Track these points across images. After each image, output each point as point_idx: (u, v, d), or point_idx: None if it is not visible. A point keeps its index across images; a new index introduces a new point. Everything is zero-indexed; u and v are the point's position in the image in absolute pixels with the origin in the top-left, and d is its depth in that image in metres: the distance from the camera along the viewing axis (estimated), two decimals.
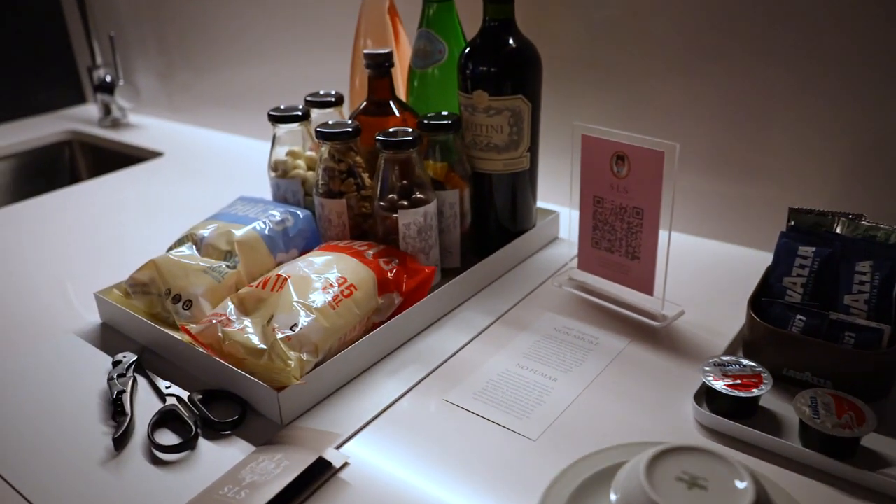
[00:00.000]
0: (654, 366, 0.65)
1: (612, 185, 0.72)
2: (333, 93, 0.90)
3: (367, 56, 0.79)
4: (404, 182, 0.74)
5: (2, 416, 0.63)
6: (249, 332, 0.63)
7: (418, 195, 0.73)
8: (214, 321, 0.65)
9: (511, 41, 0.77)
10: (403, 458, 0.56)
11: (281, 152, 0.85)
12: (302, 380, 0.59)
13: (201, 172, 1.22)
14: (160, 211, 1.07)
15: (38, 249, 0.95)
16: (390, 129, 0.74)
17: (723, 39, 0.79)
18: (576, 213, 0.77)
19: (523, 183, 0.82)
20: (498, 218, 0.83)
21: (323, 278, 0.66)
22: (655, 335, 0.70)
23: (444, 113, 0.78)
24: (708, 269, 0.81)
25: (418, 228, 0.74)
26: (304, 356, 0.60)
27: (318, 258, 0.70)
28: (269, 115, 0.83)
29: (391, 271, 0.71)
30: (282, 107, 0.84)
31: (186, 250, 0.75)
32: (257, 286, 0.67)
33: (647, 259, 0.72)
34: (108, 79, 1.46)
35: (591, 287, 0.78)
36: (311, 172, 0.85)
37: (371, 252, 0.72)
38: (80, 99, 1.67)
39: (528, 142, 0.80)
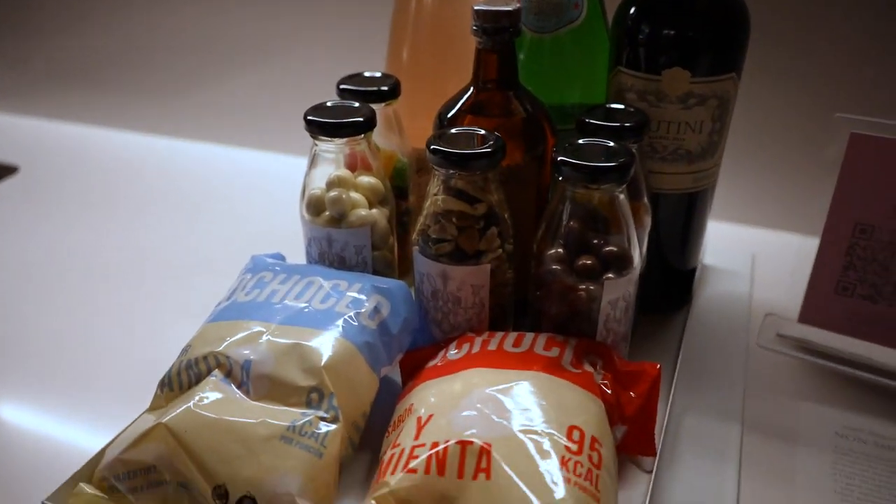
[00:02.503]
0: None
1: None
2: (379, 74, 0.56)
3: (483, 16, 0.47)
4: (581, 226, 0.44)
5: None
6: None
7: (612, 249, 0.44)
8: None
9: None
10: None
11: (319, 178, 0.51)
12: None
13: (102, 197, 0.81)
14: (56, 271, 0.66)
15: None
16: (578, 143, 0.43)
17: None
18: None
19: (705, 202, 0.55)
20: (663, 254, 0.56)
21: (546, 438, 0.36)
22: None
23: (618, 106, 0.49)
24: None
25: (626, 305, 0.45)
26: None
27: (496, 387, 0.39)
28: (311, 122, 0.48)
29: (604, 385, 0.42)
30: (328, 104, 0.50)
31: (220, 391, 0.41)
32: (426, 470, 0.35)
33: None
34: None
35: (822, 348, 0.54)
36: (376, 211, 0.52)
37: (567, 357, 0.43)
38: None
39: (725, 142, 0.53)
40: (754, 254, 0.67)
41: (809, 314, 0.54)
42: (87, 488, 0.39)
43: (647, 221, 0.50)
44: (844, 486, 0.44)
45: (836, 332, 0.53)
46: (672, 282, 0.58)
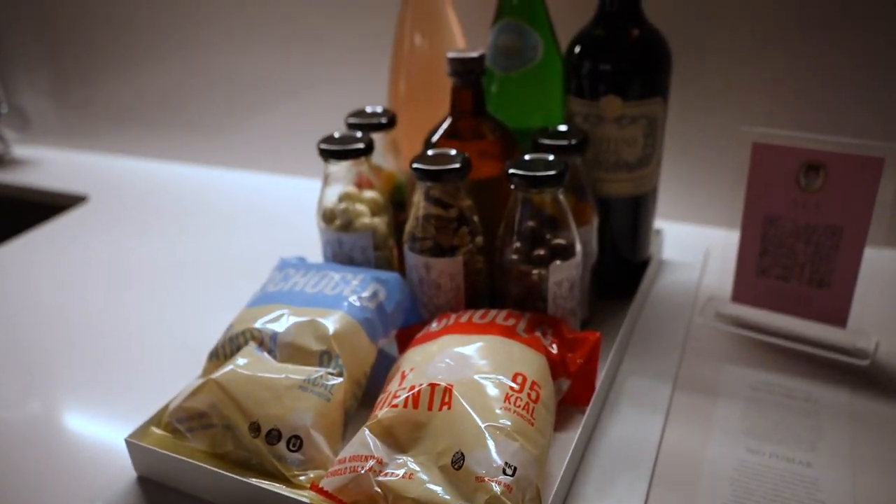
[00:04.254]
0: None
1: (797, 201, 0.58)
2: (380, 109, 0.69)
3: (455, 62, 0.59)
4: (536, 225, 0.56)
5: None
6: (424, 480, 0.44)
7: (559, 241, 0.56)
8: (360, 469, 0.45)
9: (638, 29, 0.61)
10: None
11: (332, 195, 0.64)
12: None
13: (159, 220, 0.96)
14: (123, 281, 0.81)
15: None
16: (525, 160, 0.55)
17: None
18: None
19: (648, 204, 0.67)
20: (617, 249, 0.68)
21: (496, 381, 0.48)
22: (873, 378, 0.58)
23: (561, 128, 0.61)
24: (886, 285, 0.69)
25: (570, 284, 0.57)
26: None
27: (462, 347, 0.51)
28: (322, 150, 0.61)
29: (551, 347, 0.54)
30: (336, 135, 0.63)
31: (255, 357, 0.53)
32: (405, 404, 0.47)
33: (840, 285, 0.59)
34: None
35: (751, 322, 0.64)
36: (377, 219, 0.64)
37: (521, 325, 0.54)
38: None
39: (660, 154, 0.64)
40: (708, 249, 0.77)
41: (739, 294, 0.64)
42: (157, 430, 0.52)
43: (594, 219, 0.62)
44: (750, 426, 0.54)
45: (760, 307, 0.64)
46: (626, 272, 0.69)
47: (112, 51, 1.08)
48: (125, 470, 0.53)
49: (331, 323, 0.54)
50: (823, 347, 0.60)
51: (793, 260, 0.60)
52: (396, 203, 0.70)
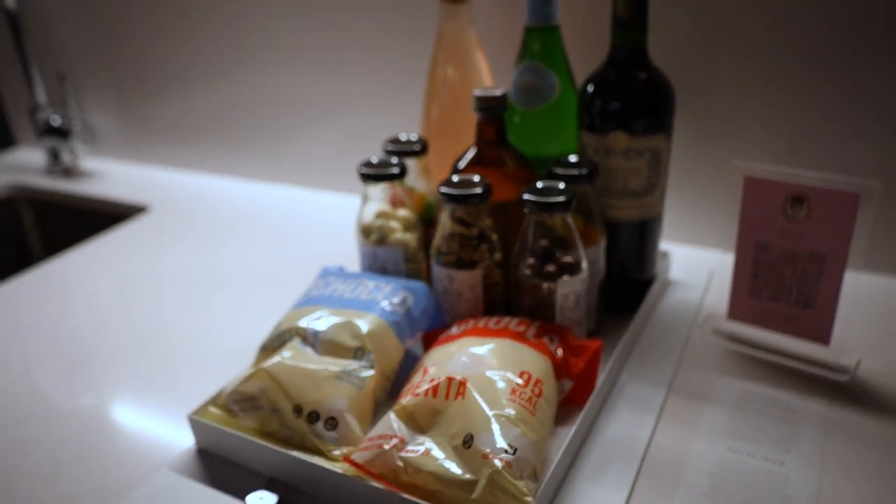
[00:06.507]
0: (875, 432, 0.59)
1: (783, 229, 0.65)
2: (415, 137, 0.78)
3: (480, 99, 0.68)
4: (548, 244, 0.64)
5: None
6: (439, 457, 0.51)
7: (568, 259, 0.64)
8: (385, 445, 0.52)
9: (645, 72, 0.68)
10: None
11: (369, 212, 0.73)
12: None
13: (212, 230, 1.05)
14: (179, 285, 0.90)
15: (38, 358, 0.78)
16: (538, 187, 0.63)
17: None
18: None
19: (654, 228, 0.74)
20: (624, 267, 0.75)
21: (504, 377, 0.55)
22: (850, 392, 0.64)
23: (572, 159, 0.69)
24: (878, 308, 0.75)
25: (576, 298, 0.64)
26: (527, 484, 0.49)
27: (478, 348, 0.59)
28: (363, 174, 0.70)
29: (556, 352, 0.61)
30: (374, 160, 0.71)
31: (299, 350, 0.62)
32: (425, 394, 0.55)
33: (824, 307, 0.65)
34: (57, 122, 1.25)
35: (744, 338, 0.71)
36: (408, 235, 0.73)
37: (531, 332, 0.62)
38: (6, 142, 1.43)
39: (664, 183, 0.71)
40: (711, 270, 0.84)
41: (734, 312, 0.71)
42: (214, 409, 0.61)
43: (602, 241, 0.69)
44: (733, 429, 0.61)
45: (752, 325, 0.70)
46: (631, 289, 0.76)
47: (170, 73, 1.19)
48: (185, 443, 0.61)
49: (365, 323, 0.62)
50: (807, 363, 0.66)
51: (781, 283, 0.67)
52: (426, 221, 0.78)
